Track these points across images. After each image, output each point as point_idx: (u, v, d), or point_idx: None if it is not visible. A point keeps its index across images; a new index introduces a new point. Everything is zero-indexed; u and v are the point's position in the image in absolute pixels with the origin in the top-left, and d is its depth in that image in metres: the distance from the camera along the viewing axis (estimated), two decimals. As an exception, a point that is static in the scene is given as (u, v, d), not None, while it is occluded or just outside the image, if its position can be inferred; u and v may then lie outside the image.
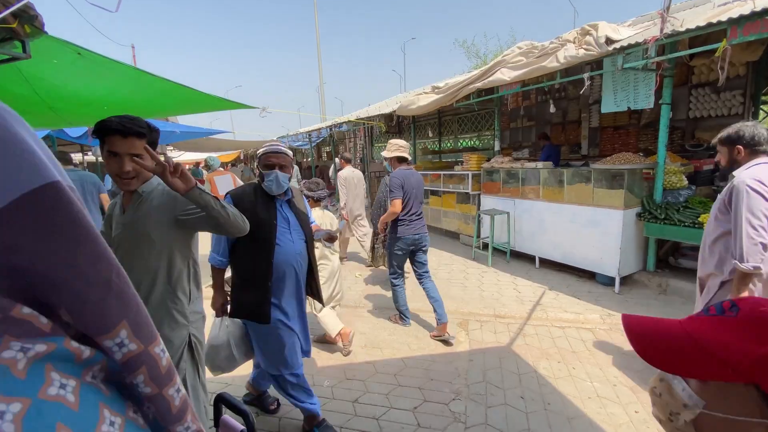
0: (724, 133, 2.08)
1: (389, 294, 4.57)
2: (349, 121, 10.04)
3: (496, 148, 6.89)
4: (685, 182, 4.40)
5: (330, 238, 2.32)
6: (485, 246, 6.00)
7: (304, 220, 2.18)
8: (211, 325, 2.11)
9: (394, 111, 8.01)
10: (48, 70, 3.62)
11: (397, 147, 3.50)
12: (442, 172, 7.38)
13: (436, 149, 10.96)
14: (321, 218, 3.25)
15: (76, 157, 13.92)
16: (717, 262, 2.04)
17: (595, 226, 4.43)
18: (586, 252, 4.58)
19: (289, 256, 2.05)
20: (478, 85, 5.54)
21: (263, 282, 1.99)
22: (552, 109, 5.80)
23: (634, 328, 0.56)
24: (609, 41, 4.14)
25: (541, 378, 2.79)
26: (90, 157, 14.84)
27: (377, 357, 3.17)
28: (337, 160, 8.84)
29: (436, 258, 6.08)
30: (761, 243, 1.85)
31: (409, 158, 3.59)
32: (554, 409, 2.44)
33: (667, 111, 4.18)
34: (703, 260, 2.15)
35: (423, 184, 3.59)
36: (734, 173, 2.02)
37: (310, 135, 13.44)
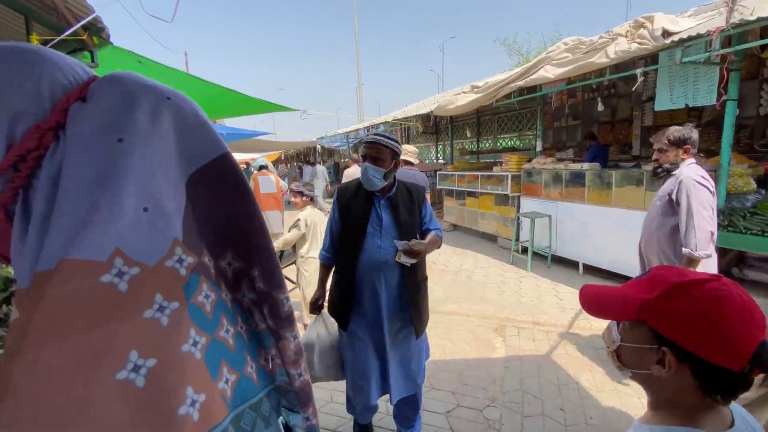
0: (675, 135, 2.29)
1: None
2: (386, 121, 10.10)
3: (538, 148, 6.65)
4: (753, 186, 4.01)
5: (411, 251, 1.70)
6: (524, 250, 5.80)
7: (405, 226, 1.81)
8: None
9: (432, 111, 7.95)
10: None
11: (406, 151, 3.74)
12: (479, 173, 7.23)
13: (474, 150, 10.75)
14: (311, 216, 3.55)
15: None
16: (677, 252, 2.25)
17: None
18: (636, 259, 4.29)
19: (372, 264, 1.77)
20: (520, 83, 5.36)
21: (346, 284, 1.82)
22: (600, 107, 5.50)
23: (587, 291, 0.77)
24: (666, 34, 3.86)
25: (583, 390, 2.66)
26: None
27: (410, 358, 3.16)
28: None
29: (472, 260, 5.97)
30: (711, 231, 2.12)
31: (415, 162, 3.82)
32: (596, 424, 2.32)
33: (733, 108, 3.83)
34: (650, 249, 2.43)
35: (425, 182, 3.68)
36: (676, 171, 2.27)
37: (347, 136, 13.66)
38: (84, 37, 2.95)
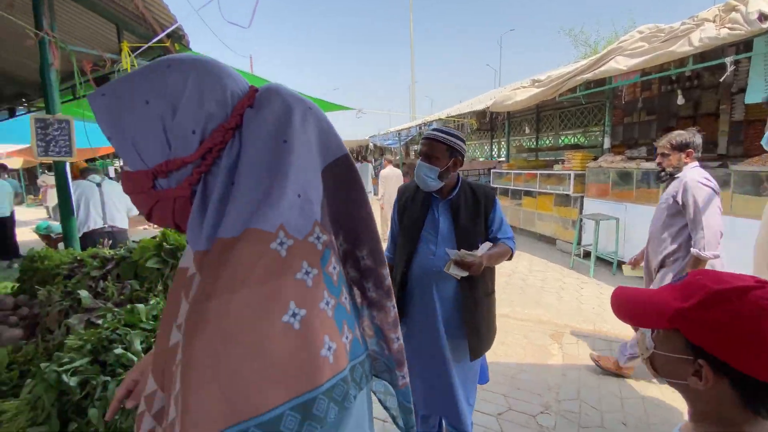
0: (677, 139, 2.34)
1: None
2: (440, 119, 9.97)
3: (606, 145, 6.19)
4: None
5: (462, 263, 1.49)
6: (586, 254, 5.45)
7: (465, 232, 1.61)
8: None
9: (488, 107, 7.71)
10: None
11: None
12: (538, 172, 6.90)
13: (533, 147, 10.26)
14: None
15: None
16: (684, 252, 2.30)
17: (731, 240, 3.70)
18: (717, 269, 3.85)
19: (424, 273, 1.62)
20: (587, 75, 5.03)
21: (398, 289, 1.69)
22: (680, 101, 5.00)
23: (619, 294, 0.73)
24: (764, 17, 3.41)
25: (650, 406, 2.45)
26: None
27: (460, 358, 3.12)
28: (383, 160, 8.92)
29: (527, 263, 5.73)
30: (720, 231, 2.16)
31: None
32: (665, 445, 2.13)
33: None
34: (654, 250, 2.46)
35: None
36: (679, 175, 2.33)
37: (399, 134, 13.69)
38: (167, 44, 3.28)
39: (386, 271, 0.62)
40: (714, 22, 3.80)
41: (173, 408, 0.44)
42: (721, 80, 4.30)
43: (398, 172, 7.05)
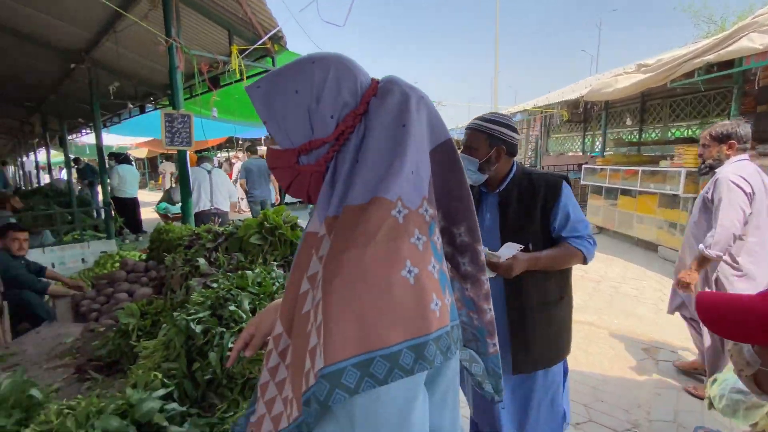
0: (717, 130, 2.20)
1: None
2: (524, 110, 9.40)
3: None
4: None
5: (489, 264, 1.33)
6: (695, 263, 4.77)
7: (513, 228, 1.45)
8: None
9: (582, 96, 7.08)
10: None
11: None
12: (640, 168, 6.15)
13: (635, 140, 9.15)
14: None
15: (261, 149, 17.59)
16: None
17: None
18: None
19: None
20: (710, 57, 4.34)
21: None
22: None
23: (708, 301, 0.68)
24: None
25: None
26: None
27: (536, 360, 2.98)
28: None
29: (620, 269, 5.19)
30: (733, 234, 2.08)
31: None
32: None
33: None
34: (690, 250, 2.34)
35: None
36: (718, 169, 2.20)
37: (482, 126, 13.26)
38: (268, 46, 3.62)
39: (481, 247, 0.67)
40: None
41: (314, 337, 0.54)
42: None
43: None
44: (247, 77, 3.56)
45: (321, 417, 0.52)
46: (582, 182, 7.84)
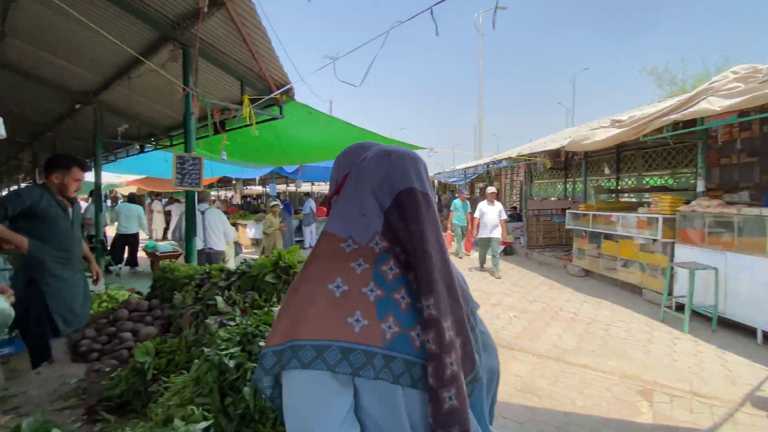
0: None
1: (551, 338, 4.26)
2: (510, 157, 9.93)
3: (700, 188, 5.71)
4: None
5: None
6: (679, 307, 4.94)
7: None
8: None
9: (563, 147, 7.57)
10: (287, 124, 4.89)
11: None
12: (620, 214, 6.50)
13: (613, 187, 9.69)
14: None
15: (280, 187, 17.79)
16: None
17: None
18: None
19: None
20: (675, 116, 4.80)
21: None
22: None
23: None
24: None
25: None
26: (291, 188, 18.74)
27: (535, 404, 3.00)
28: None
29: (608, 312, 5.33)
30: None
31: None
32: None
33: None
34: None
35: None
36: None
37: (465, 171, 13.81)
38: (277, 96, 3.87)
39: (447, 324, 0.68)
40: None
41: None
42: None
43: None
44: (256, 123, 3.76)
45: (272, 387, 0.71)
46: (567, 226, 8.16)
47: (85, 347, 2.35)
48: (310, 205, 11.06)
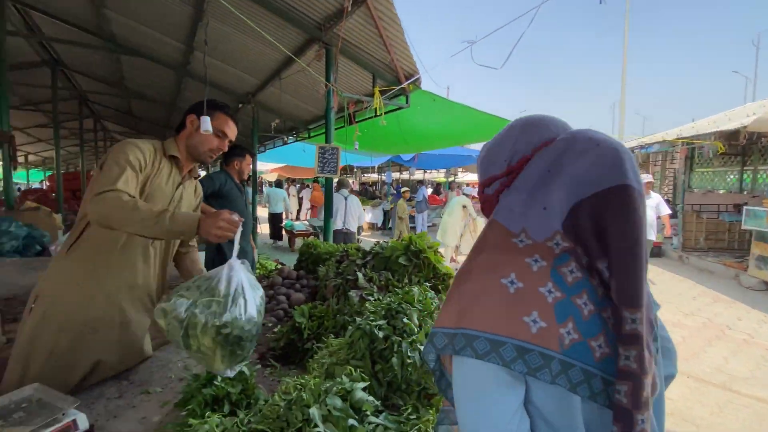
0: None
1: (715, 361, 3.53)
2: (665, 140, 8.33)
3: None
4: None
5: None
6: None
7: None
8: None
9: (745, 127, 6.03)
10: (409, 112, 5.01)
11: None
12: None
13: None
14: None
15: (394, 174, 18.46)
16: None
17: None
18: None
19: None
20: None
21: None
22: None
23: None
24: None
25: None
26: (404, 176, 19.30)
27: (691, 432, 2.55)
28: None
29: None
30: None
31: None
32: None
33: None
34: None
35: None
36: None
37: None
38: (404, 86, 3.99)
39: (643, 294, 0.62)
40: None
41: None
42: None
43: None
44: (384, 113, 3.96)
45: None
46: (744, 226, 6.54)
47: (251, 305, 2.86)
48: (423, 192, 11.26)
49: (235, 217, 1.22)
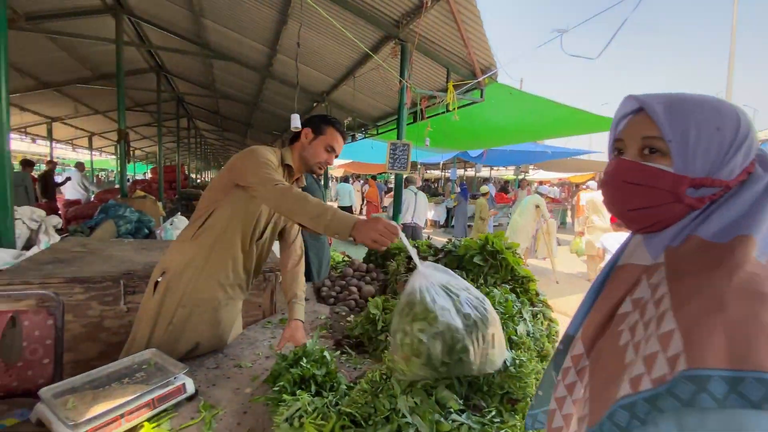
0: None
1: None
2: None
3: None
4: None
5: None
6: None
7: None
8: None
9: None
10: (483, 107, 4.83)
11: None
12: None
13: None
14: None
15: (459, 171, 18.00)
16: None
17: None
18: None
19: None
20: None
21: None
22: None
23: None
24: None
25: None
26: (469, 173, 18.78)
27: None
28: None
29: None
30: None
31: None
32: None
33: None
34: None
35: None
36: None
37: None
38: (480, 80, 3.87)
39: None
40: None
41: (631, 352, 0.55)
42: None
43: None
44: (458, 108, 3.88)
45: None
46: None
47: (324, 293, 3.00)
48: (489, 190, 10.91)
49: (393, 223, 1.23)
